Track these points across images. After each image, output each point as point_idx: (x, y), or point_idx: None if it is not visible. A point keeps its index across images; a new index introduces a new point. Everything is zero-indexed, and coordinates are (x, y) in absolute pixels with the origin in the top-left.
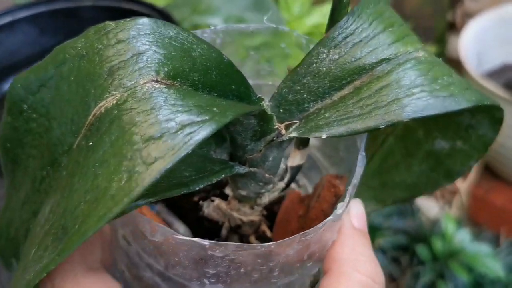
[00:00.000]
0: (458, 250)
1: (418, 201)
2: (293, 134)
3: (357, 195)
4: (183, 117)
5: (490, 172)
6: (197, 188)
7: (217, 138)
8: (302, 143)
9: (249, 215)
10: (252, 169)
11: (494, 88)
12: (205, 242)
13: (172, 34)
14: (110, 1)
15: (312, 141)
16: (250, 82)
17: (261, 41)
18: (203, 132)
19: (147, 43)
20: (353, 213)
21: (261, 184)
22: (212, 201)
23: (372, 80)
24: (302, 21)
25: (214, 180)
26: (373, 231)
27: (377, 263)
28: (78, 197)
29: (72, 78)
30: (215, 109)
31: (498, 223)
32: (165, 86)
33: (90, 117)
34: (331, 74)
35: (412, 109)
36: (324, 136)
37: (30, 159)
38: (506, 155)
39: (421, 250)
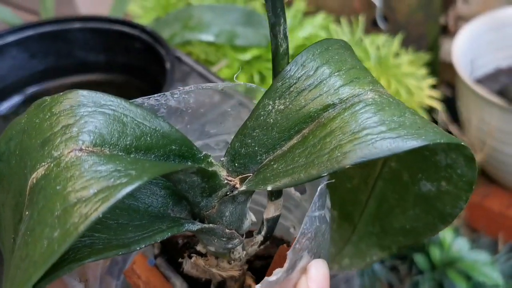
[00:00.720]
0: (456, 259)
1: None
2: (242, 188)
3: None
4: (99, 184)
5: (486, 177)
6: (138, 249)
7: (173, 196)
8: (274, 194)
9: (228, 270)
10: (206, 225)
11: (487, 95)
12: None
13: (103, 102)
14: (99, 23)
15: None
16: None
17: (253, 55)
18: (116, 196)
19: (78, 114)
20: (311, 276)
21: (224, 239)
22: (190, 258)
23: (318, 127)
24: (295, 33)
25: (159, 239)
26: None
27: None
28: (15, 266)
29: (17, 152)
30: (132, 172)
31: (495, 229)
32: (87, 153)
33: (28, 188)
34: (278, 125)
35: (355, 154)
36: (269, 188)
37: (4, 225)
38: (502, 160)
39: (419, 259)
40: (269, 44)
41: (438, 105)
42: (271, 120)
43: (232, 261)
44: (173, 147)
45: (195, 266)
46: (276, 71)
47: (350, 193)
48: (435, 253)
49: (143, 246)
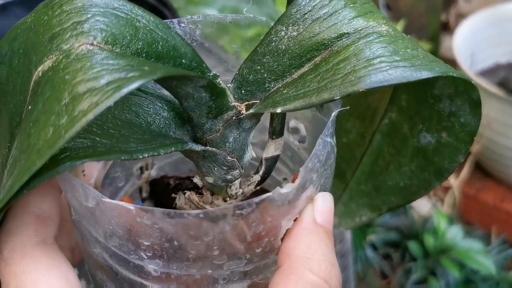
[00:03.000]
0: (450, 247)
1: None
2: (250, 111)
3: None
4: (111, 75)
5: (481, 170)
6: (141, 157)
7: (176, 119)
8: (275, 132)
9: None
10: (210, 148)
11: (488, 86)
12: (131, 206)
13: (116, 5)
14: None
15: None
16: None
17: (255, 33)
18: (128, 86)
19: (90, 12)
20: (317, 207)
21: (224, 168)
22: (184, 193)
23: (331, 55)
24: None
25: (162, 152)
26: (365, 227)
27: (335, 265)
28: (14, 163)
29: (21, 51)
30: (146, 67)
31: (489, 222)
32: (98, 48)
33: (32, 83)
34: (290, 51)
35: (370, 79)
36: (279, 111)
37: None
38: (498, 152)
39: (413, 247)
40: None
41: None
42: (283, 46)
43: (228, 198)
44: (183, 61)
45: (189, 202)
46: None
47: (345, 148)
48: (429, 240)
49: (146, 155)
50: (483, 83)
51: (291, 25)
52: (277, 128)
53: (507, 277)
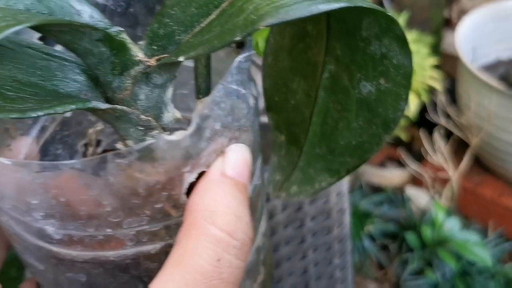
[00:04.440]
0: (447, 238)
1: (408, 191)
2: (154, 64)
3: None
4: None
5: (480, 165)
6: (34, 115)
7: (88, 81)
8: (201, 91)
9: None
10: (118, 106)
11: (490, 80)
12: (7, 161)
13: None
14: None
15: None
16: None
17: None
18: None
19: None
20: (228, 158)
21: (141, 128)
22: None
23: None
24: None
25: (60, 110)
26: (363, 218)
27: (242, 218)
28: None
29: None
30: (22, 17)
31: (486, 216)
32: None
33: None
34: (196, 0)
35: (270, 15)
36: (181, 59)
37: None
38: (497, 146)
39: (410, 238)
40: None
41: (438, 86)
42: None
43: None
44: (79, 16)
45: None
46: None
47: (295, 111)
48: (427, 232)
49: (41, 114)
50: (484, 76)
51: None
52: (202, 86)
53: (503, 270)
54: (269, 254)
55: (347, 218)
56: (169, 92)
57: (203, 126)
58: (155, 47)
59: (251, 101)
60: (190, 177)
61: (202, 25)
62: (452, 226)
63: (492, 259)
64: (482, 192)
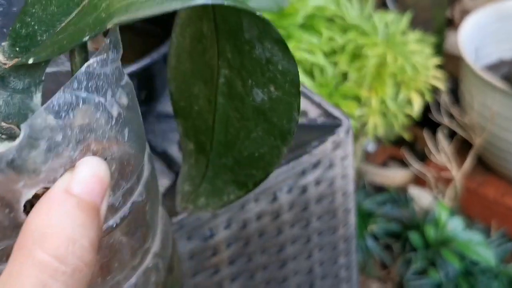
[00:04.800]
0: (451, 238)
1: (411, 191)
2: (6, 65)
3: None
4: None
5: (482, 165)
6: None
7: None
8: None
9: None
10: None
11: (493, 80)
12: None
13: None
14: None
15: None
16: None
17: None
18: None
19: None
20: (76, 174)
21: (3, 137)
22: None
23: None
24: (306, 1)
25: None
26: (366, 217)
27: (78, 241)
28: None
29: None
30: None
31: (489, 216)
32: None
33: None
34: None
35: (120, 13)
36: (30, 61)
37: None
38: (500, 146)
39: (414, 237)
40: (280, 10)
41: (442, 86)
42: None
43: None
44: None
45: None
46: None
47: (199, 117)
48: (430, 231)
49: None
50: (487, 76)
51: None
52: (78, 63)
53: (506, 270)
54: (173, 275)
55: (352, 218)
56: (37, 97)
57: (37, 137)
58: (18, 49)
59: (116, 110)
60: (28, 194)
61: (63, 24)
62: (455, 226)
63: (495, 259)
64: (485, 192)
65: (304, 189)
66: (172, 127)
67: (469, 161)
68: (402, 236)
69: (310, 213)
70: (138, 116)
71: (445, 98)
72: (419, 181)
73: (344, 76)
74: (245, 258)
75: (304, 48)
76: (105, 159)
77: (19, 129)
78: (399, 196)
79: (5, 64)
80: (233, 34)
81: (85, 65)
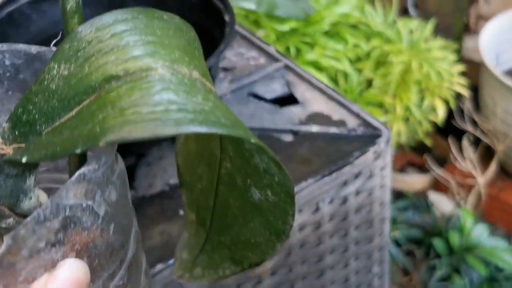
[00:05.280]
0: (475, 245)
1: (432, 197)
2: (7, 151)
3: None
4: None
5: (504, 171)
6: None
7: None
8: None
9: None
10: None
11: None
12: None
13: None
14: None
15: None
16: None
17: (291, 27)
18: None
19: None
20: (56, 277)
21: None
22: None
23: (95, 100)
24: (332, 9)
25: None
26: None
27: None
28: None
29: None
30: None
31: (510, 222)
32: None
33: None
34: (59, 93)
35: (112, 132)
36: (24, 160)
37: None
38: None
39: (438, 244)
40: (307, 17)
41: (466, 93)
42: (54, 86)
43: None
44: None
45: None
46: (66, 31)
47: (202, 195)
48: (454, 238)
49: None
50: (508, 82)
51: (63, 62)
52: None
53: None
54: None
55: (387, 227)
56: (31, 179)
57: (20, 247)
58: (17, 133)
59: (103, 209)
60: None
61: (62, 120)
62: (480, 232)
63: None
64: (506, 198)
65: (344, 200)
66: None
67: (492, 168)
68: (425, 242)
69: (349, 223)
70: (126, 201)
71: (468, 105)
72: (438, 186)
73: (369, 82)
74: (286, 268)
75: (330, 55)
76: (89, 257)
77: (10, 210)
78: (420, 202)
79: (2, 149)
80: (235, 140)
81: (76, 174)
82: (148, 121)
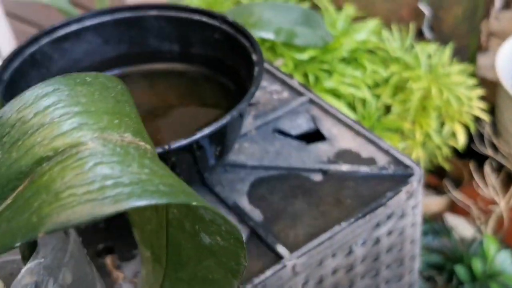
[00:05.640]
0: (499, 272)
1: (451, 220)
2: None
3: None
4: None
5: None
6: None
7: None
8: (25, 258)
9: None
10: None
11: None
12: None
13: None
14: (176, 12)
15: None
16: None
17: (310, 56)
18: None
19: None
20: None
21: None
22: None
23: (29, 185)
24: (350, 35)
25: None
26: None
27: None
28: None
29: None
30: None
31: None
32: None
33: None
34: None
35: (50, 220)
36: None
37: None
38: None
39: (460, 271)
40: (325, 45)
41: (485, 117)
42: None
43: None
44: None
45: None
46: None
47: (153, 235)
48: (477, 265)
49: None
50: None
51: None
52: (25, 254)
53: None
54: None
55: (417, 264)
56: None
57: None
58: None
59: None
60: None
61: None
62: (503, 259)
63: None
64: None
65: (377, 240)
66: (239, 177)
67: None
68: (446, 268)
69: (380, 263)
70: (85, 270)
71: (487, 129)
72: (455, 209)
73: (387, 108)
74: None
75: (348, 82)
76: None
77: None
78: (439, 226)
79: None
80: None
81: (23, 271)
82: (84, 202)
